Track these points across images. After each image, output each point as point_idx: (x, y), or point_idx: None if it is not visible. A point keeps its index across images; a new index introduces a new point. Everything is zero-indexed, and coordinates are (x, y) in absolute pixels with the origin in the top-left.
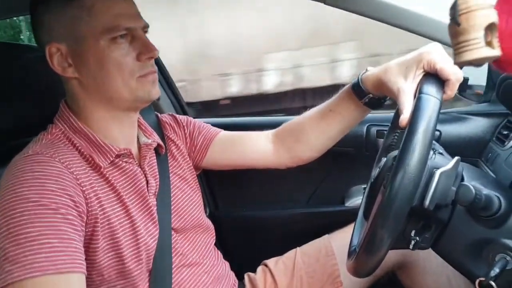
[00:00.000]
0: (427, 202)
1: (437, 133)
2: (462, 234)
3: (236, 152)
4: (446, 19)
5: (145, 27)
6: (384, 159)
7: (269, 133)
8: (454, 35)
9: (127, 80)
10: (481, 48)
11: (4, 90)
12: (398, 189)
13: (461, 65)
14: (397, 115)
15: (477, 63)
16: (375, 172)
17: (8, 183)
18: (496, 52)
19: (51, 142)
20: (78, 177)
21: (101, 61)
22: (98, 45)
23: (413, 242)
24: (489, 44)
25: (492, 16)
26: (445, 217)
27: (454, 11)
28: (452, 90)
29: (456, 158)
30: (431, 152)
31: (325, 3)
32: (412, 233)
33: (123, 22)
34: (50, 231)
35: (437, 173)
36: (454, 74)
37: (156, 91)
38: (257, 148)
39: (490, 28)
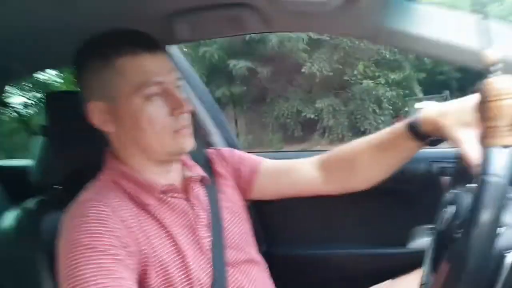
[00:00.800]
0: None
1: None
2: None
3: (282, 179)
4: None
5: (178, 80)
6: (452, 207)
7: (315, 159)
8: (483, 118)
9: (161, 136)
10: (506, 136)
11: (61, 138)
12: (462, 277)
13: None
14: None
15: (507, 147)
16: (441, 220)
17: (64, 228)
18: None
19: (100, 188)
20: (125, 219)
21: (135, 118)
22: (132, 103)
23: None
24: None
25: None
26: None
27: (482, 97)
28: None
29: None
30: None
31: (374, 43)
32: None
33: (153, 77)
34: (102, 271)
35: (509, 259)
36: None
37: (190, 144)
38: (302, 174)
39: None
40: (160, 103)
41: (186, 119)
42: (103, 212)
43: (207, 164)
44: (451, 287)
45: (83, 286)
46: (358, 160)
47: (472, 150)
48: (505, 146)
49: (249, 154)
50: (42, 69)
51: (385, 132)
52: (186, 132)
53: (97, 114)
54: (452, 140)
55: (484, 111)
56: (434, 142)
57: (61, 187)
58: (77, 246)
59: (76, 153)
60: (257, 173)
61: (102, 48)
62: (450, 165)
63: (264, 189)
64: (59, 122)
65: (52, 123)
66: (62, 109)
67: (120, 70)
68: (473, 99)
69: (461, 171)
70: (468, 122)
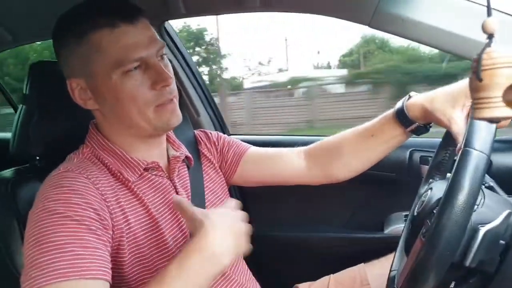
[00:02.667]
0: (468, 261)
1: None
2: None
3: (267, 168)
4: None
5: (160, 50)
6: (429, 192)
7: (300, 149)
8: (475, 89)
9: (143, 111)
10: (501, 107)
11: (45, 109)
12: (436, 246)
13: (480, 120)
14: (448, 133)
15: (495, 121)
16: (418, 205)
17: (39, 197)
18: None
19: (81, 161)
20: (103, 192)
21: (116, 95)
22: (111, 80)
23: None
24: (509, 103)
25: None
26: (492, 268)
27: (478, 65)
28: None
29: (507, 212)
30: (479, 198)
31: (369, 26)
32: (452, 285)
33: (132, 53)
34: (74, 240)
35: (481, 232)
36: None
37: (176, 118)
38: (288, 164)
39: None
40: (140, 77)
41: (169, 92)
42: (81, 183)
43: (194, 145)
44: (425, 259)
45: (53, 253)
46: (343, 150)
47: (461, 131)
48: (496, 118)
49: (237, 140)
50: (29, 40)
51: (373, 120)
52: (170, 107)
53: (78, 92)
54: (440, 123)
55: (477, 81)
56: (419, 131)
57: (41, 158)
58: (52, 213)
59: (58, 124)
60: (242, 159)
61: (77, 23)
62: (430, 154)
63: (248, 176)
64: (40, 92)
65: (33, 92)
66: (44, 78)
67: (97, 46)
68: (460, 83)
69: (440, 162)
70: (455, 104)
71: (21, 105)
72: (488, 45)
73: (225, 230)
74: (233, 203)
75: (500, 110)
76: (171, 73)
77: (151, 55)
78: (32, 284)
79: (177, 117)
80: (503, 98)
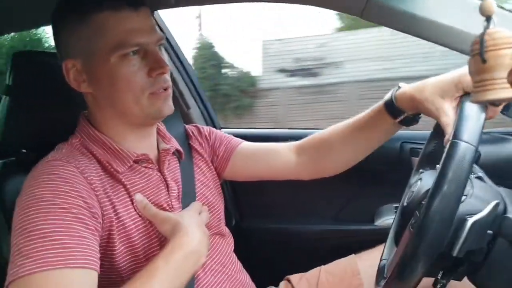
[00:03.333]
0: (455, 251)
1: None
2: (503, 267)
3: (258, 163)
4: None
5: (159, 40)
6: (418, 182)
7: (291, 144)
8: (477, 71)
9: (138, 97)
10: (506, 88)
11: (30, 100)
12: (424, 236)
13: (481, 103)
14: (439, 124)
15: (498, 102)
16: (407, 196)
17: (27, 185)
18: None
19: (70, 151)
20: (91, 181)
21: (112, 78)
22: (109, 62)
23: (439, 286)
24: (511, 84)
25: None
26: (479, 258)
27: (481, 46)
28: (495, 111)
29: (494, 202)
30: (467, 188)
31: (361, 17)
32: (440, 274)
33: (133, 38)
34: (61, 229)
35: (469, 223)
36: None
37: (168, 108)
38: (279, 159)
39: None
40: (138, 63)
41: (164, 80)
42: (70, 172)
43: (185, 139)
44: (413, 249)
45: (38, 240)
46: (334, 144)
47: (450, 122)
48: (501, 99)
49: (229, 135)
50: (18, 29)
51: (363, 113)
52: (164, 95)
53: (73, 73)
54: (429, 113)
55: (479, 63)
56: (408, 122)
57: (27, 151)
58: (39, 201)
59: (44, 115)
60: (233, 154)
61: (81, 3)
62: (421, 146)
63: (239, 171)
64: (24, 82)
65: (17, 83)
66: (28, 68)
67: (99, 26)
68: (450, 74)
69: (430, 153)
70: (445, 95)
71: (4, 96)
72: (487, 26)
73: (199, 230)
74: (198, 205)
75: (505, 91)
76: (167, 63)
77: (150, 42)
78: (18, 272)
79: (169, 107)
80: (508, 79)
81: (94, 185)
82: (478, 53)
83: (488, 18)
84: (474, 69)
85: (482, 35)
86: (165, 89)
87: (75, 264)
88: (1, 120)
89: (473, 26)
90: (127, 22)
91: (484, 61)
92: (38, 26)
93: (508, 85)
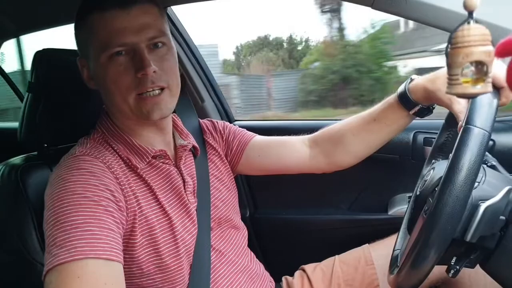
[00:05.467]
0: (468, 236)
1: (491, 142)
2: None
3: (271, 157)
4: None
5: (153, 39)
6: (431, 171)
7: (305, 138)
8: (446, 66)
9: (125, 97)
10: (458, 85)
11: (52, 97)
12: (437, 222)
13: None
14: (451, 114)
15: (460, 97)
16: (420, 184)
17: (58, 179)
18: (480, 89)
19: (94, 146)
20: (117, 176)
21: (103, 78)
22: (99, 63)
23: (452, 271)
24: (478, 81)
25: (478, 55)
26: (492, 244)
27: (447, 44)
28: (508, 97)
29: (507, 188)
30: (480, 175)
31: (372, 7)
32: (453, 260)
33: (119, 38)
34: (92, 220)
35: (482, 208)
36: None
37: (158, 112)
38: (293, 153)
39: (480, 64)
40: (125, 63)
41: (152, 81)
42: (98, 167)
43: (199, 134)
44: (426, 235)
45: (71, 231)
46: (347, 137)
47: (463, 110)
48: (456, 94)
49: (243, 129)
50: (33, 29)
51: (376, 106)
52: (151, 101)
53: (85, 72)
54: (441, 103)
55: (451, 58)
56: (422, 113)
57: (49, 145)
58: (70, 194)
59: (65, 111)
60: (246, 148)
61: (81, 5)
62: (434, 136)
63: (252, 165)
64: (46, 79)
65: (39, 80)
66: (49, 66)
67: (91, 28)
68: None
69: (443, 143)
70: None
71: (27, 93)
72: (464, 22)
73: None
74: None
75: (457, 87)
76: (169, 62)
77: (140, 41)
78: (54, 261)
79: (160, 110)
80: (461, 76)
81: (120, 180)
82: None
83: (470, 14)
84: (447, 62)
85: (451, 33)
86: (158, 93)
87: (104, 255)
88: (24, 116)
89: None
90: (114, 22)
91: (446, 57)
92: (61, 24)
93: (460, 82)
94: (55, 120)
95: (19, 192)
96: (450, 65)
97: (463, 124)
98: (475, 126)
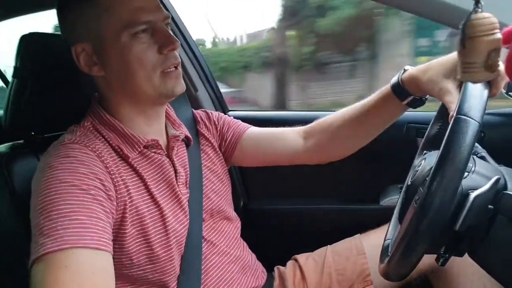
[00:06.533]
0: (457, 226)
1: (481, 134)
2: (504, 244)
3: (265, 148)
4: None
5: (166, 19)
6: (422, 162)
7: (299, 129)
8: (460, 54)
9: (150, 75)
10: (481, 71)
11: (38, 82)
12: (427, 211)
13: (463, 82)
14: (443, 105)
15: (476, 83)
16: (411, 175)
17: (46, 166)
18: (494, 74)
19: (84, 134)
20: (108, 165)
21: (123, 58)
22: (119, 42)
23: (441, 260)
24: (489, 67)
25: (495, 43)
26: (481, 234)
27: (462, 33)
28: (498, 88)
29: (495, 178)
30: (469, 165)
31: None
32: (442, 249)
33: (142, 16)
34: (80, 209)
35: (471, 197)
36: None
37: (180, 86)
38: (286, 144)
39: (491, 53)
40: (147, 41)
41: (175, 57)
42: (87, 155)
43: (192, 124)
44: (416, 224)
45: (59, 220)
46: (340, 129)
47: (454, 101)
48: (478, 81)
49: (237, 121)
50: (21, 12)
51: (369, 97)
52: (175, 74)
53: (83, 58)
54: (432, 93)
55: (464, 47)
56: (415, 104)
57: (34, 133)
58: (59, 183)
59: (52, 98)
60: (241, 139)
61: None
62: (427, 128)
63: (246, 156)
64: (32, 64)
65: (25, 65)
66: (35, 50)
67: (106, 7)
68: (453, 54)
69: (435, 135)
70: (449, 74)
71: (12, 78)
72: (473, 11)
73: None
74: None
75: (480, 74)
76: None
77: (158, 20)
78: (40, 250)
79: (181, 85)
80: (483, 63)
81: (110, 169)
82: (464, 37)
83: (477, 2)
84: (458, 51)
85: (464, 22)
86: (176, 67)
87: (92, 245)
88: (10, 103)
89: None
90: (133, 1)
91: (464, 46)
92: (41, 10)
93: (482, 69)
94: (42, 107)
95: (4, 181)
96: (468, 53)
97: (454, 114)
98: (465, 116)
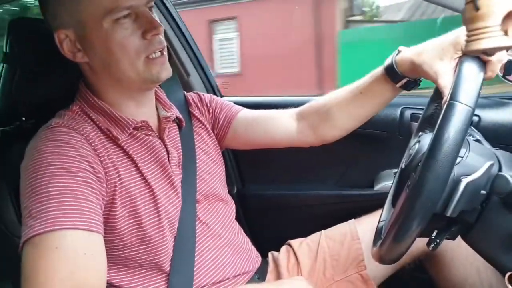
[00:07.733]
0: (449, 212)
1: (476, 118)
2: (496, 226)
3: (258, 130)
4: None
5: (149, 2)
6: (417, 145)
7: (292, 111)
8: (471, 20)
9: (133, 61)
10: (498, 36)
11: (28, 67)
12: (419, 197)
13: (474, 53)
14: (437, 89)
15: (491, 52)
16: (406, 158)
17: (33, 150)
18: (510, 41)
19: (72, 118)
20: (96, 148)
21: (106, 44)
22: (102, 28)
23: (433, 245)
24: (506, 31)
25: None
26: (473, 218)
27: None
28: (493, 71)
29: (489, 163)
30: (463, 150)
31: None
32: (434, 234)
33: (124, 1)
34: (68, 191)
35: (463, 184)
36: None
37: (166, 72)
38: (280, 126)
39: (508, 16)
40: (130, 26)
41: (159, 42)
42: (75, 138)
43: (184, 107)
44: (408, 210)
45: (48, 202)
46: (333, 110)
47: (448, 84)
48: (494, 49)
49: (230, 103)
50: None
51: (363, 78)
52: (160, 61)
53: (67, 44)
54: (427, 76)
55: (473, 11)
56: (409, 86)
57: (25, 118)
58: (47, 165)
59: (42, 83)
60: (233, 121)
61: None
62: (422, 111)
63: (239, 138)
64: (22, 49)
65: (15, 50)
66: (25, 35)
67: None
68: (449, 35)
69: (430, 115)
70: (444, 56)
71: (2, 64)
72: None
73: None
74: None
75: (498, 39)
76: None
77: (141, 5)
78: (29, 232)
79: (167, 70)
80: (501, 27)
81: (98, 151)
82: (472, 0)
83: None
84: (468, 17)
85: None
86: (161, 52)
87: (82, 226)
88: (0, 89)
89: None
90: None
91: (477, 8)
92: None
93: (501, 33)
94: (32, 92)
95: None
96: (481, 17)
97: (447, 100)
98: (458, 101)
